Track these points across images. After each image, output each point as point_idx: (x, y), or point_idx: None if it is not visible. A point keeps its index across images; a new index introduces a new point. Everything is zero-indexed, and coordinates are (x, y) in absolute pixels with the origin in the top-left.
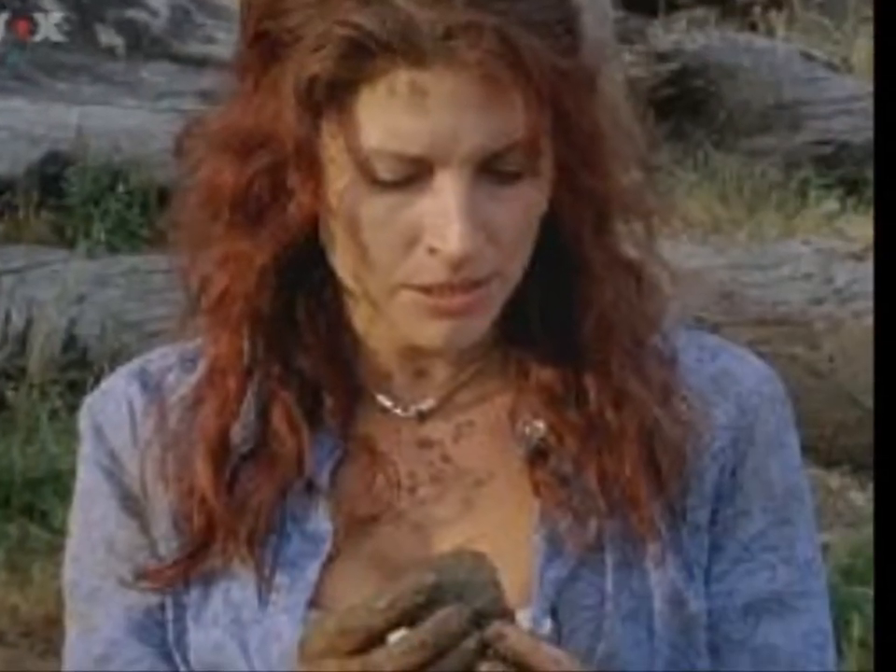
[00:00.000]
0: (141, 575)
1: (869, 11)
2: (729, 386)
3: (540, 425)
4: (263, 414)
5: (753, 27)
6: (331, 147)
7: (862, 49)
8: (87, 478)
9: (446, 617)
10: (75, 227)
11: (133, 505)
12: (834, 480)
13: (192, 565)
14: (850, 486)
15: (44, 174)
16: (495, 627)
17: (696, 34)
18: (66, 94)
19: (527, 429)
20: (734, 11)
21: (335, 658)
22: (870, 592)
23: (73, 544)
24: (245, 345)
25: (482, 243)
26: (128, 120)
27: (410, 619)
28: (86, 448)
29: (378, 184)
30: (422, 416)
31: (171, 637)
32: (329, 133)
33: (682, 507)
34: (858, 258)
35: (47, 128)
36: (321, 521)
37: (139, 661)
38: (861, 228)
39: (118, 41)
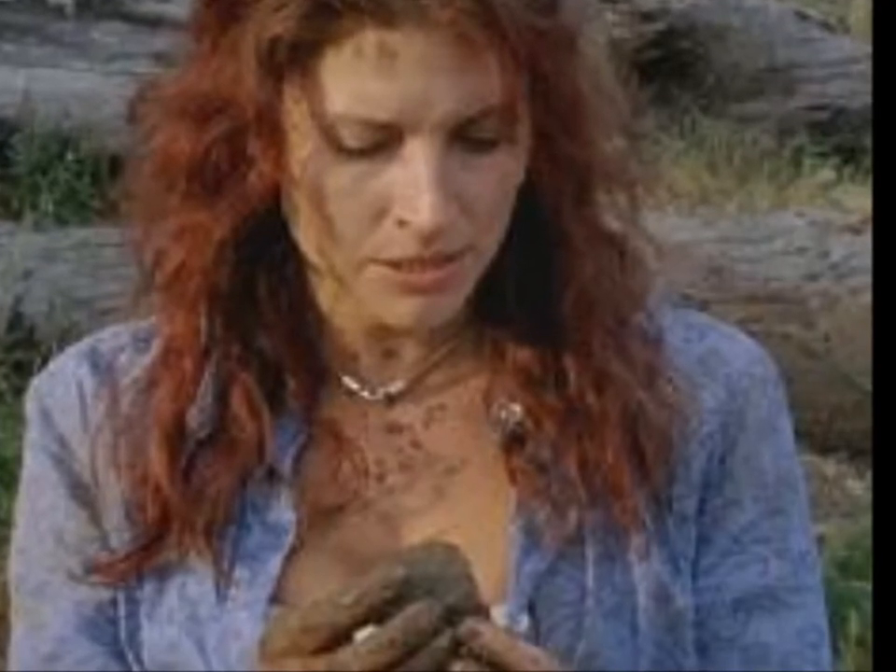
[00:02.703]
0: (92, 568)
1: None
2: (718, 367)
3: (517, 408)
4: (222, 397)
5: None
6: (294, 113)
7: (860, 8)
8: (34, 465)
9: (416, 613)
10: (21, 198)
11: (83, 494)
12: (830, 467)
13: (146, 558)
14: (847, 474)
15: None
16: (468, 624)
17: None
18: (12, 56)
19: (503, 413)
20: None
21: (298, 657)
22: (868, 586)
23: (19, 536)
24: (203, 324)
25: (454, 214)
26: (78, 84)
27: (378, 615)
28: (33, 433)
29: (344, 152)
30: (390, 400)
31: (123, 634)
32: (291, 97)
33: (668, 496)
34: (855, 230)
35: None
36: (283, 511)
37: (90, 660)
38: (859, 199)
39: (67, 0)
